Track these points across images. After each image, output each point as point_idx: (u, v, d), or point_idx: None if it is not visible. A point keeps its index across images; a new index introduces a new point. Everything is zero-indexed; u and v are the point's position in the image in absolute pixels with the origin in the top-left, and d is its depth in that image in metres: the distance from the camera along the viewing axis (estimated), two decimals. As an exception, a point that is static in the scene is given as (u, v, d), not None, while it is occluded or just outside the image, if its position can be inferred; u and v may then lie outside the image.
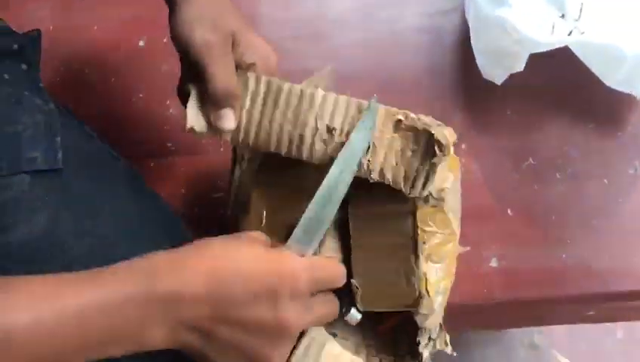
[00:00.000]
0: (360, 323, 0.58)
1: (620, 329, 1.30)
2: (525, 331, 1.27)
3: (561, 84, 0.75)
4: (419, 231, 0.56)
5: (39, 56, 0.65)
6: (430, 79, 0.77)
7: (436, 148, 0.51)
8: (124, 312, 0.44)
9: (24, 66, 0.63)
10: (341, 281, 0.53)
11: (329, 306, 0.53)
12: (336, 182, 0.52)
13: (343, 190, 0.52)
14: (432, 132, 0.51)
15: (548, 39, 0.67)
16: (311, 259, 0.50)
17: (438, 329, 0.57)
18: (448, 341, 0.58)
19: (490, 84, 0.72)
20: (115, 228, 0.60)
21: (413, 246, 0.56)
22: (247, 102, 0.56)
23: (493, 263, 0.68)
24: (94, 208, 0.61)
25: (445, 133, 0.52)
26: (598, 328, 1.27)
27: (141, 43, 0.77)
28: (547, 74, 0.74)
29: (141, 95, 0.78)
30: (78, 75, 0.79)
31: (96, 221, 0.61)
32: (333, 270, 0.52)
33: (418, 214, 0.56)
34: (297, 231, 0.51)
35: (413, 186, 0.53)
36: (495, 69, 0.71)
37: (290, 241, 0.51)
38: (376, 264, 0.57)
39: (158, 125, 0.77)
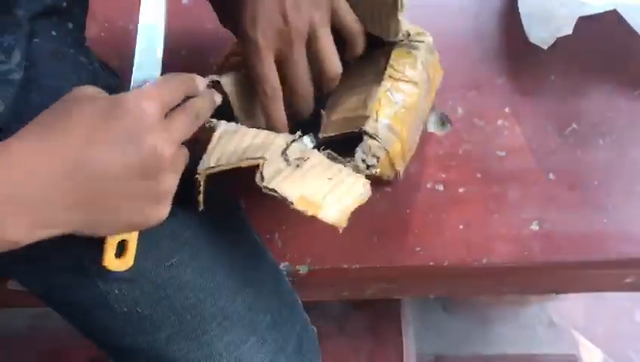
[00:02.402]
0: None
1: (638, 311, 1.30)
2: (544, 310, 1.27)
3: (607, 49, 0.75)
4: (388, 67, 0.63)
5: (85, 16, 0.65)
6: (475, 42, 0.77)
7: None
8: None
9: (70, 25, 0.63)
10: (194, 85, 0.50)
11: (188, 113, 0.49)
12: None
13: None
14: None
15: (597, 2, 0.67)
16: (150, 85, 0.46)
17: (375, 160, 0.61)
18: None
19: (535, 49, 0.72)
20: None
21: (379, 79, 0.63)
22: None
23: (534, 226, 0.68)
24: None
25: None
26: (616, 309, 1.27)
27: (185, 0, 0.77)
28: (593, 38, 0.74)
29: (183, 52, 0.78)
30: (121, 33, 0.79)
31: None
32: (178, 82, 0.49)
33: (393, 54, 0.64)
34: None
35: (388, 33, 0.63)
36: (542, 33, 0.71)
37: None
38: (346, 97, 0.64)
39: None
